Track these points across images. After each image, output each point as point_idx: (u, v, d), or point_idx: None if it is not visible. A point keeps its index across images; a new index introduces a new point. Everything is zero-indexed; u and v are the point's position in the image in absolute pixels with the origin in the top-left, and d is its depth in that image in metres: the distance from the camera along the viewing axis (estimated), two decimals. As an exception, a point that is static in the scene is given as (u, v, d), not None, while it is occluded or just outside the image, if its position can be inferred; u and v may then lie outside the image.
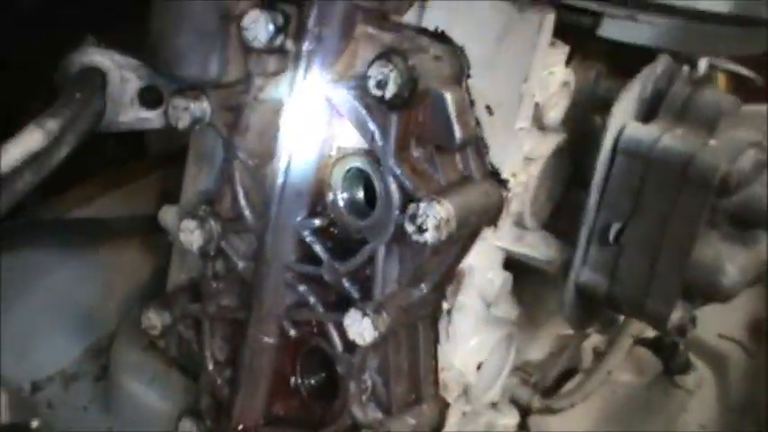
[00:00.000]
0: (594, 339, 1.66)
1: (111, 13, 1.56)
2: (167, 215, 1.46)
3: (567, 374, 1.66)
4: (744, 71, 1.60)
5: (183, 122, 1.27)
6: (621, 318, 1.53)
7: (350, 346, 1.24)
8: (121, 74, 1.27)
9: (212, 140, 1.37)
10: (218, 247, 1.32)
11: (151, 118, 1.31)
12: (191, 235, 1.31)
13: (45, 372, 1.60)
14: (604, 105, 1.25)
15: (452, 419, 1.34)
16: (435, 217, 1.11)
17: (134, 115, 1.30)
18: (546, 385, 1.61)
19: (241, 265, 1.32)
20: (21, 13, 1.52)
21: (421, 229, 1.12)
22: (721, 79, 1.91)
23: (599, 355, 1.65)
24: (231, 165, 1.29)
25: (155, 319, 1.38)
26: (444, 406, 1.31)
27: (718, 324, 1.87)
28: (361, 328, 1.18)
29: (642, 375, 1.73)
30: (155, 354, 1.53)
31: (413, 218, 1.12)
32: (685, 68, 1.42)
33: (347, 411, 1.26)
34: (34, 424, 1.07)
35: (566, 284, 1.27)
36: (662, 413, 1.67)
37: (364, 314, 1.18)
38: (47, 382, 1.59)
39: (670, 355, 1.77)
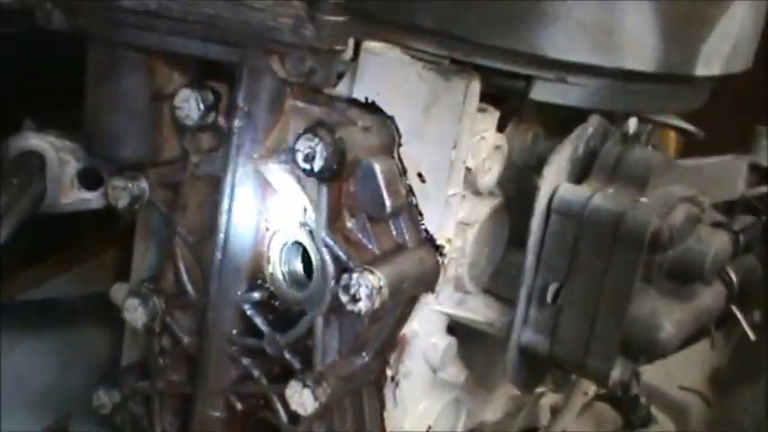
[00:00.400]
0: (552, 398, 1.66)
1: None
2: (118, 293, 1.47)
3: (528, 435, 1.67)
4: (686, 126, 1.62)
5: (122, 202, 1.29)
6: (574, 376, 1.54)
7: (294, 417, 1.25)
8: (60, 156, 1.28)
9: (157, 218, 1.38)
10: (162, 323, 1.33)
11: (91, 199, 1.32)
12: (135, 313, 1.32)
13: (3, 458, 1.60)
14: (542, 167, 1.27)
15: (404, 485, 1.34)
16: (367, 286, 1.12)
17: (75, 196, 1.32)
18: (505, 447, 1.61)
19: (186, 340, 1.32)
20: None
21: (354, 299, 1.13)
22: (672, 136, 1.94)
23: (556, 413, 1.65)
24: (172, 241, 1.30)
25: (104, 398, 1.38)
26: (394, 472, 1.32)
27: (678, 376, 1.88)
28: (302, 398, 1.19)
29: (603, 430, 1.73)
30: (112, 430, 1.53)
31: (346, 288, 1.14)
32: (633, 125, 1.45)
33: (295, 482, 1.27)
34: None
35: (508, 346, 1.27)
36: (623, 468, 1.68)
37: (304, 385, 1.19)
38: (5, 468, 1.59)
39: (630, 409, 1.78)
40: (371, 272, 1.13)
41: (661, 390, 1.86)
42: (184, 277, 1.31)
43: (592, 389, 1.69)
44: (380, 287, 1.13)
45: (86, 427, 1.55)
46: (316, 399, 1.18)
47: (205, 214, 1.28)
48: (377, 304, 1.13)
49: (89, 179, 1.32)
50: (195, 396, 1.32)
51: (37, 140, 1.27)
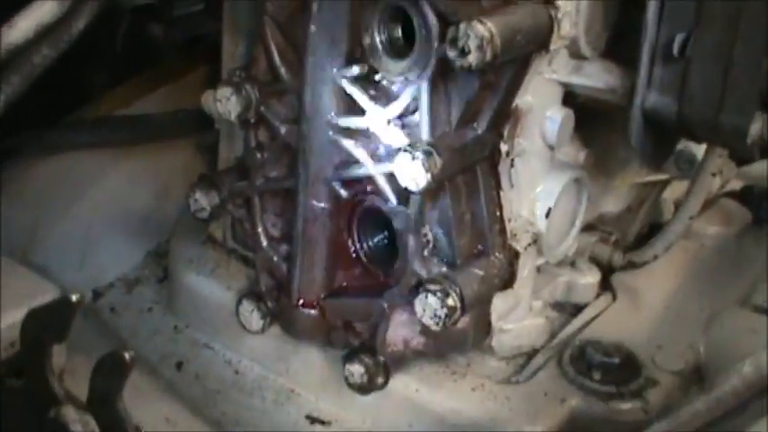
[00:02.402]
0: (676, 190, 1.55)
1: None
2: (209, 98, 1.39)
3: (650, 234, 1.56)
4: None
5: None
6: (700, 158, 1.42)
7: (405, 198, 1.16)
8: None
9: (246, 13, 1.29)
10: (258, 114, 1.25)
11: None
12: (228, 103, 1.24)
13: (106, 278, 1.55)
14: None
15: (525, 273, 1.25)
16: (477, 36, 1.02)
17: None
18: (627, 244, 1.51)
19: (283, 129, 1.25)
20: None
21: (463, 53, 1.03)
22: None
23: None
24: (262, 22, 1.21)
25: (202, 200, 1.31)
26: (514, 256, 1.22)
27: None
28: (412, 172, 1.10)
29: (731, 226, 1.61)
30: (214, 247, 1.47)
31: (453, 41, 1.03)
32: None
33: (409, 269, 1.19)
34: (74, 298, 1.02)
35: (631, 112, 1.16)
36: (754, 262, 1.56)
37: (414, 157, 1.09)
38: (108, 289, 1.54)
39: (759, 203, 1.66)
40: (480, 21, 1.03)
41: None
42: (277, 60, 1.22)
43: (717, 180, 1.57)
44: (491, 37, 1.02)
45: (187, 244, 1.49)
46: (427, 170, 1.09)
47: (295, -13, 1.18)
48: (488, 56, 1.03)
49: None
50: (297, 189, 1.24)
51: None
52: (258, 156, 1.27)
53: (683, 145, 1.42)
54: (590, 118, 1.29)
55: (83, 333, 1.44)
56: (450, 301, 1.13)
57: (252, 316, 1.32)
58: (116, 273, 1.56)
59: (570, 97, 1.25)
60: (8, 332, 1.21)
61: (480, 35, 1.02)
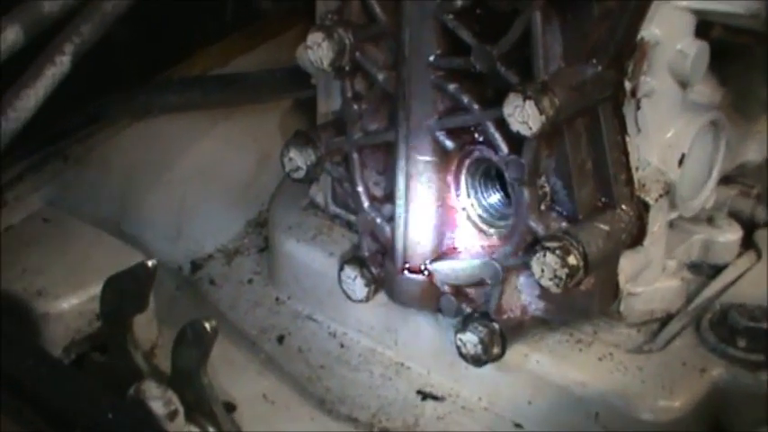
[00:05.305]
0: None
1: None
2: (302, 50, 1.29)
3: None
4: None
5: None
6: None
7: (516, 145, 1.04)
8: None
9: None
10: (352, 61, 1.14)
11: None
12: (319, 50, 1.14)
13: (204, 249, 1.46)
14: None
15: (656, 228, 1.12)
16: (593, -48, 0.89)
17: None
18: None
19: (381, 76, 1.14)
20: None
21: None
22: None
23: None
24: (349, -40, 1.11)
25: (297, 159, 1.21)
26: (643, 209, 1.09)
27: None
28: (524, 114, 0.98)
29: None
30: (315, 213, 1.37)
31: (566, -40, 0.91)
32: None
33: (524, 225, 1.06)
34: (150, 263, 0.92)
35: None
36: None
37: (526, 97, 0.97)
38: (207, 260, 1.46)
39: None
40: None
41: None
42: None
43: None
44: (610, -48, 0.89)
45: (287, 211, 1.39)
46: (541, 112, 0.97)
47: None
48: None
49: None
50: (398, 140, 1.13)
51: None
52: (355, 107, 1.17)
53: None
54: (727, 53, 1.15)
55: (181, 306, 1.38)
56: (571, 260, 1.01)
57: (355, 283, 1.22)
58: (214, 243, 1.47)
59: (704, 28, 1.11)
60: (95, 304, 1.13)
61: (597, -50, 0.89)
